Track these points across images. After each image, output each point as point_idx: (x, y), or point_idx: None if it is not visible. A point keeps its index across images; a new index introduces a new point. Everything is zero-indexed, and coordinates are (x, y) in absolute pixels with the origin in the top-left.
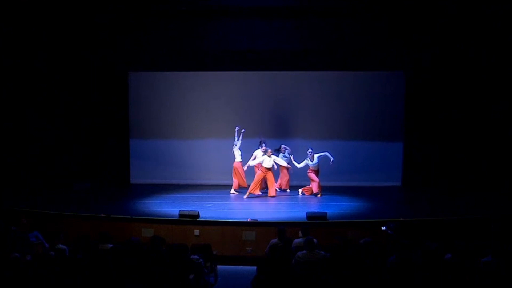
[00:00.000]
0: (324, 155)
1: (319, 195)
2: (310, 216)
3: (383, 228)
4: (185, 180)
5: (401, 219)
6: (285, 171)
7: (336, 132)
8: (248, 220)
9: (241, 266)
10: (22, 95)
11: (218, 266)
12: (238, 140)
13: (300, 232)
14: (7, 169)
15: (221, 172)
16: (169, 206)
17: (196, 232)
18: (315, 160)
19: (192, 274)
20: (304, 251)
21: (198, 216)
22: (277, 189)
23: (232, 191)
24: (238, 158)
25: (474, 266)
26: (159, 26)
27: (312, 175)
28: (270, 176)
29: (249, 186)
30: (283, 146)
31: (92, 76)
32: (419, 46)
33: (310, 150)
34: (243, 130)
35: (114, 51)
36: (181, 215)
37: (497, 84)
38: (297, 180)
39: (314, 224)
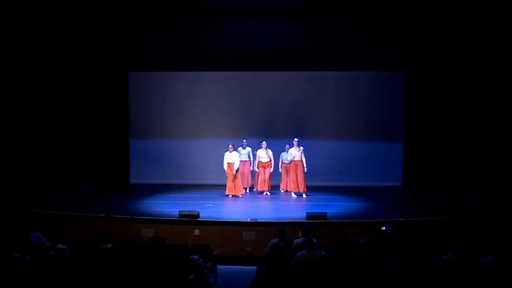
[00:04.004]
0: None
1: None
2: (310, 216)
3: (383, 228)
4: (185, 180)
5: (401, 219)
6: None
7: (336, 132)
8: (248, 220)
9: (241, 266)
10: (22, 95)
11: (218, 266)
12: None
13: (300, 232)
14: (7, 169)
15: (221, 172)
16: (169, 206)
17: (196, 232)
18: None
19: (192, 274)
20: (304, 251)
21: (198, 216)
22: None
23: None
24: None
25: (474, 266)
26: (159, 26)
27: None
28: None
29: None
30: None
31: (92, 76)
32: (419, 46)
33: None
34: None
35: (114, 51)
36: (181, 215)
37: (497, 84)
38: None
39: (314, 224)
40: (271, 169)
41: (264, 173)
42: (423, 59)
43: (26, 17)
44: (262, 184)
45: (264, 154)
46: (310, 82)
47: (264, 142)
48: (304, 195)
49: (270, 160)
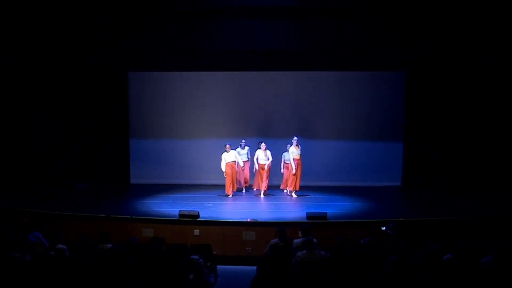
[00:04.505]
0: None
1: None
2: (310, 216)
3: (383, 228)
4: (185, 180)
5: (401, 219)
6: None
7: (336, 132)
8: (248, 220)
9: (241, 266)
10: (22, 95)
11: (218, 266)
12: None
13: (300, 232)
14: (7, 169)
15: (221, 172)
16: (169, 206)
17: (196, 232)
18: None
19: (192, 274)
20: (304, 251)
21: (198, 216)
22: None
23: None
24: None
25: (474, 266)
26: (159, 26)
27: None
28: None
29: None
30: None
31: (92, 76)
32: (419, 46)
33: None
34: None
35: (114, 51)
36: (181, 215)
37: (497, 84)
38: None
39: (314, 224)
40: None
41: (262, 174)
42: (423, 59)
43: (26, 17)
44: (260, 184)
45: (262, 156)
46: (310, 82)
47: (263, 144)
48: (294, 194)
49: (268, 162)
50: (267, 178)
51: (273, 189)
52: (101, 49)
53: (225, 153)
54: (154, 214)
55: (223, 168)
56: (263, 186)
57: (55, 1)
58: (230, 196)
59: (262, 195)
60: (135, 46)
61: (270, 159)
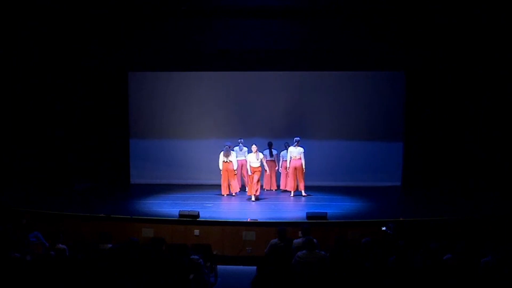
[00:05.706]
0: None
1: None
2: (310, 216)
3: (383, 228)
4: (185, 180)
5: (401, 219)
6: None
7: (336, 132)
8: (248, 220)
9: (241, 266)
10: (22, 94)
11: (218, 266)
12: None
13: (300, 232)
14: (7, 169)
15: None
16: (169, 206)
17: (196, 232)
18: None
19: (192, 274)
20: (304, 251)
21: (198, 216)
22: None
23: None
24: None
25: (474, 266)
26: (159, 26)
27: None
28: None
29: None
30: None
31: (92, 76)
32: (419, 46)
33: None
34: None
35: (114, 51)
36: (181, 215)
37: (497, 84)
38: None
39: (314, 224)
40: (260, 173)
41: (251, 177)
42: (423, 59)
43: (24, 17)
44: (250, 189)
45: (254, 159)
46: (310, 82)
47: (254, 146)
48: (293, 194)
49: (261, 165)
50: (258, 182)
51: (272, 190)
52: (101, 49)
53: (235, 153)
54: (154, 214)
55: (235, 166)
56: (253, 190)
57: (54, 1)
58: (233, 195)
59: (253, 199)
60: (135, 46)
61: (259, 163)
